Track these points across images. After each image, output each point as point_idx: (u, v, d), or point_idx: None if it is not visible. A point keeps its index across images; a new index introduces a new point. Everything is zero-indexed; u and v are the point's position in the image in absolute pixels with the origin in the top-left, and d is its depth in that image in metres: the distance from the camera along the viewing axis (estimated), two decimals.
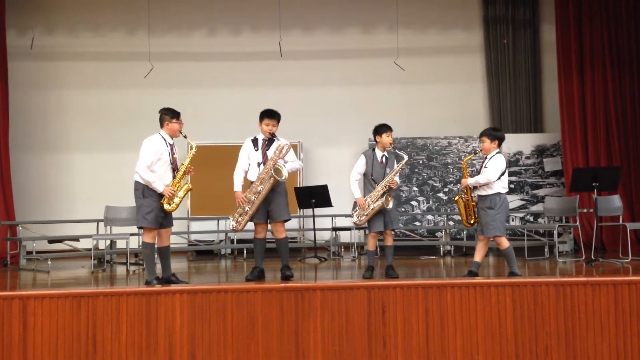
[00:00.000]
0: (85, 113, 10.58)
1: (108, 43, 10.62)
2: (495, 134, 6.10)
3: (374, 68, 10.69)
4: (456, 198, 6.23)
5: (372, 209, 6.20)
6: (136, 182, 5.72)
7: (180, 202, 5.76)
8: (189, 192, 5.89)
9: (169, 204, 5.68)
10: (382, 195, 6.17)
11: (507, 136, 10.04)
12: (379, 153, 6.37)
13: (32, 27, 10.21)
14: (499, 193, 5.91)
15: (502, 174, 5.92)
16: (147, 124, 10.63)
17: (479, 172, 6.10)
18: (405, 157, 6.36)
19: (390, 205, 6.17)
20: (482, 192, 5.97)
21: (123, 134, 10.32)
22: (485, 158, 6.07)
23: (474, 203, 6.11)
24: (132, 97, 10.52)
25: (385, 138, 6.32)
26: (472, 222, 6.13)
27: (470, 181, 6.02)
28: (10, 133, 9.56)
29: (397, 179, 6.30)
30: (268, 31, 10.37)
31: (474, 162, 8.81)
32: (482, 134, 6.14)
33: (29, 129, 10.35)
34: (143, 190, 5.68)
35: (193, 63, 10.72)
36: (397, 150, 6.39)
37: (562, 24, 9.53)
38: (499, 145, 6.08)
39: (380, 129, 6.36)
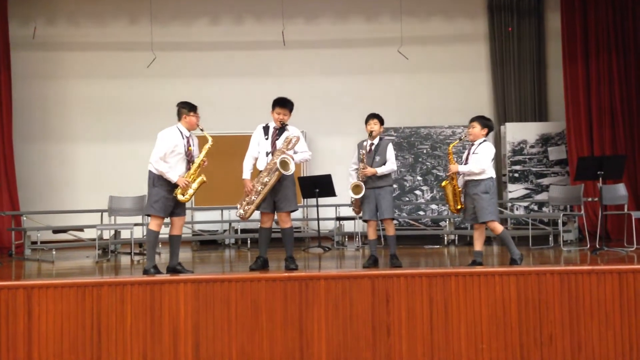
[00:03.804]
0: (88, 103, 10.56)
1: (110, 33, 10.58)
2: (486, 122, 6.11)
3: (377, 57, 10.63)
4: (444, 184, 6.12)
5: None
6: (149, 172, 5.85)
7: (194, 193, 5.87)
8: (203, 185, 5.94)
9: (183, 195, 5.78)
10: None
11: (512, 125, 10.17)
12: (368, 142, 6.42)
13: (34, 17, 10.19)
14: (492, 177, 5.95)
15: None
16: (150, 114, 10.58)
17: (467, 158, 6.06)
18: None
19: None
20: (476, 177, 5.94)
21: (126, 124, 10.32)
22: (473, 144, 6.05)
23: (459, 189, 6.11)
24: (135, 87, 10.50)
25: (368, 127, 6.41)
26: (459, 207, 6.12)
27: (464, 169, 5.97)
28: (13, 123, 9.56)
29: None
30: (271, 20, 10.33)
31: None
32: (473, 119, 6.11)
33: (32, 119, 10.35)
34: (154, 180, 5.81)
35: (196, 52, 10.67)
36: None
37: (567, 11, 9.44)
38: (487, 135, 6.09)
39: (366, 119, 6.47)
